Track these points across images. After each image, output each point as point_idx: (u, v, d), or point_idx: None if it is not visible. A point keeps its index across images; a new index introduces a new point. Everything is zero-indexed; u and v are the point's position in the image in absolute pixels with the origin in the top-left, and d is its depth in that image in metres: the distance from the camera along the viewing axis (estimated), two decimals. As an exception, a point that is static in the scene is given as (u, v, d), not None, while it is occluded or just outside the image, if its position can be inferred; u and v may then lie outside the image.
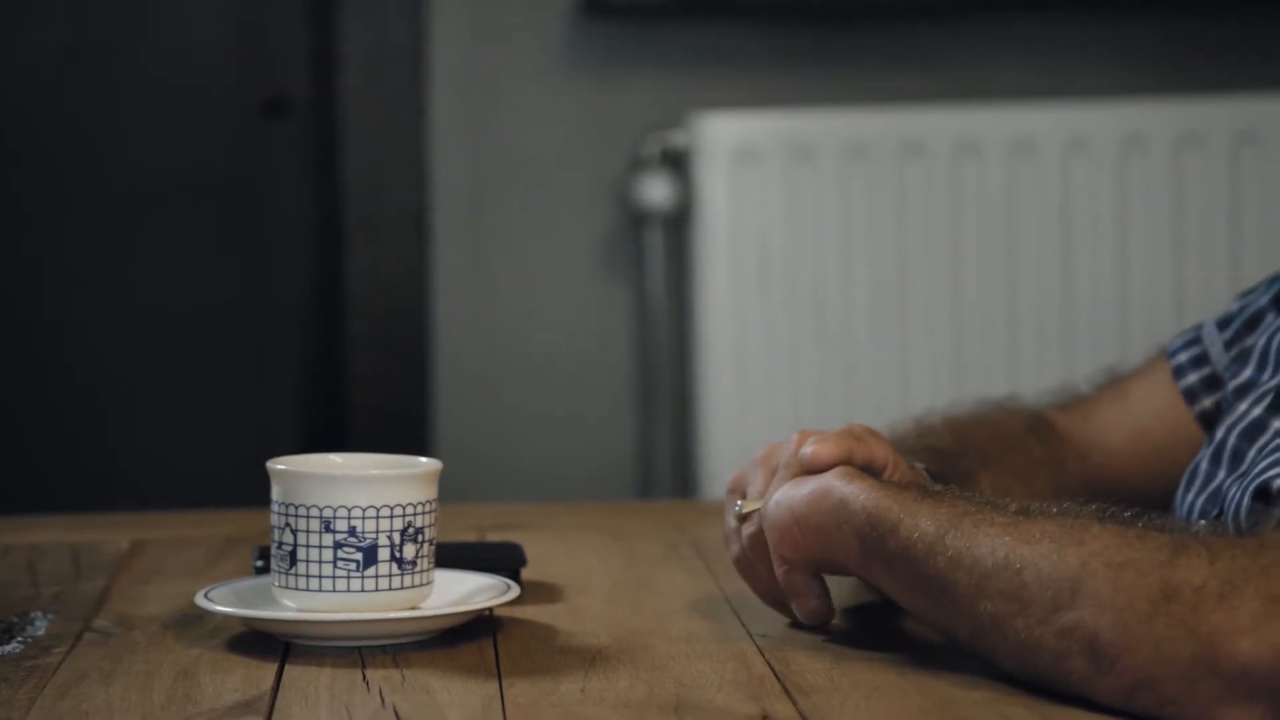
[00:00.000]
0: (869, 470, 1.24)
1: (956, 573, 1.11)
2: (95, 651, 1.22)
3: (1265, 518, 1.08)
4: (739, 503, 1.28)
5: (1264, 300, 1.45)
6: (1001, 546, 1.09)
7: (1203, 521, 1.29)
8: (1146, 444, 1.46)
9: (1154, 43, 3.01)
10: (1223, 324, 1.47)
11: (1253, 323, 1.44)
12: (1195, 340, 1.47)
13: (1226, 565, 1.03)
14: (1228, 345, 1.45)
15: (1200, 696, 1.03)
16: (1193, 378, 1.46)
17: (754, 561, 1.26)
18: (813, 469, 1.22)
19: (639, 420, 2.98)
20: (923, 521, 1.14)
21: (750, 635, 1.25)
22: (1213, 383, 1.45)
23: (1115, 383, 1.51)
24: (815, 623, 1.25)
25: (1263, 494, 1.21)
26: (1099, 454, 1.46)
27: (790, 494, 1.22)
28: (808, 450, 1.23)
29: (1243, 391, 1.36)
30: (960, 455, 1.36)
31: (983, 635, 1.11)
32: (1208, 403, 1.44)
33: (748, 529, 1.26)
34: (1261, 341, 1.37)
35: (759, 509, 1.25)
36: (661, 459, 2.96)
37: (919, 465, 1.31)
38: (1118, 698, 1.05)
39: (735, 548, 1.28)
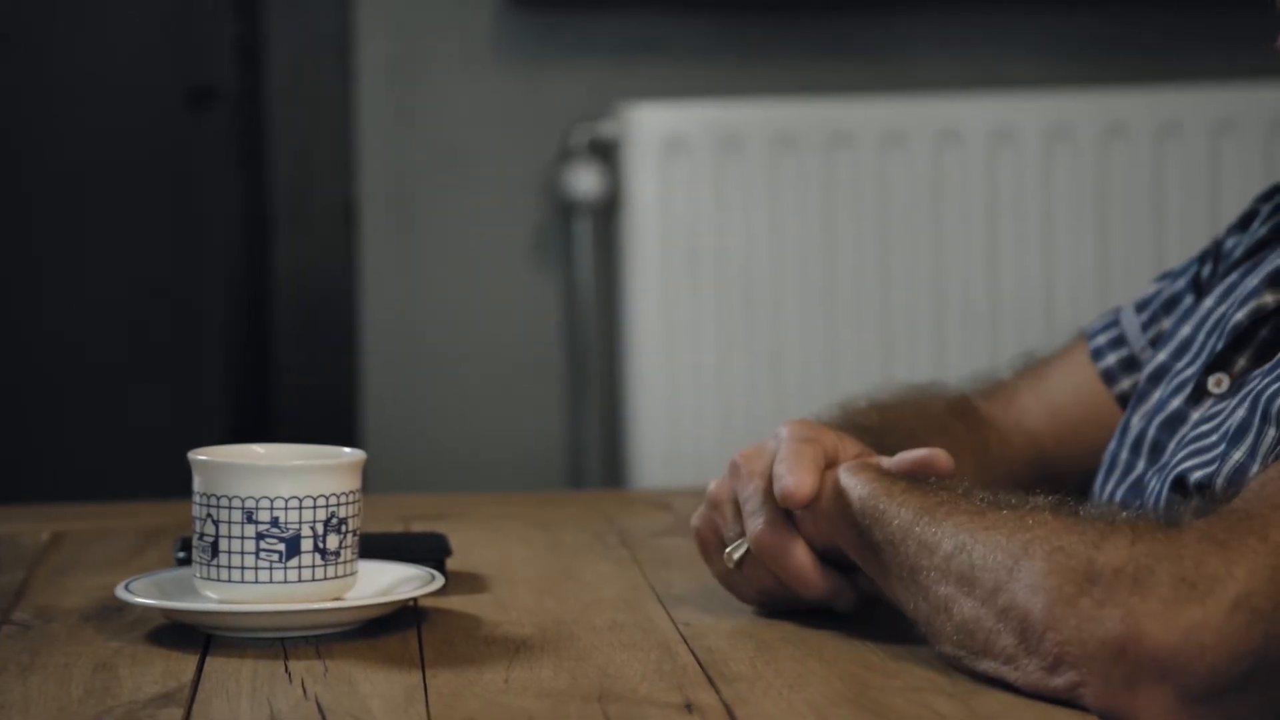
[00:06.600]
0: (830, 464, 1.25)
1: (922, 558, 1.13)
2: (13, 644, 1.21)
3: (1185, 507, 1.09)
4: (731, 551, 1.27)
5: (1181, 284, 1.46)
6: (962, 531, 1.11)
7: (1140, 506, 1.30)
8: (1065, 424, 1.48)
9: (1079, 34, 3.03)
10: (1140, 307, 1.48)
11: (1169, 305, 1.46)
12: (1114, 324, 1.49)
13: (1145, 548, 1.04)
14: (1145, 327, 1.47)
15: (1112, 679, 1.03)
16: (1111, 359, 1.47)
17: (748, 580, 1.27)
18: (792, 504, 1.22)
19: (568, 410, 2.98)
20: (903, 511, 1.15)
21: (675, 624, 1.25)
22: (1131, 364, 1.46)
23: (1034, 367, 1.52)
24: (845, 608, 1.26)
25: (1180, 485, 1.22)
26: (1020, 437, 1.48)
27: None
28: (784, 485, 1.22)
29: (1156, 377, 1.37)
30: (887, 433, 1.37)
31: (934, 617, 1.12)
32: (1126, 384, 1.46)
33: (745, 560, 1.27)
34: (1185, 330, 1.38)
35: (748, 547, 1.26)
36: (590, 448, 2.96)
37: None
38: (1037, 678, 1.06)
39: (725, 571, 1.28)
